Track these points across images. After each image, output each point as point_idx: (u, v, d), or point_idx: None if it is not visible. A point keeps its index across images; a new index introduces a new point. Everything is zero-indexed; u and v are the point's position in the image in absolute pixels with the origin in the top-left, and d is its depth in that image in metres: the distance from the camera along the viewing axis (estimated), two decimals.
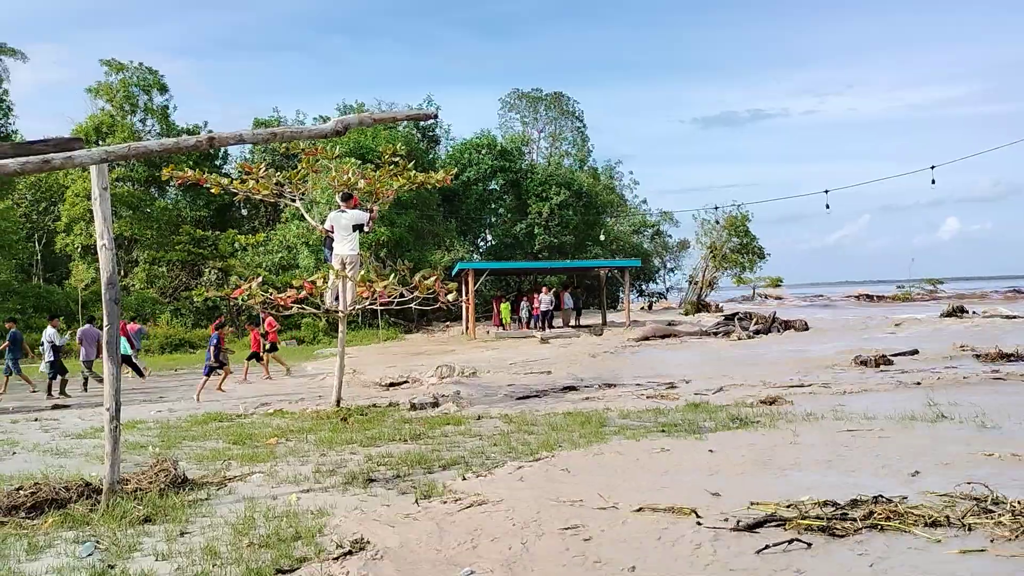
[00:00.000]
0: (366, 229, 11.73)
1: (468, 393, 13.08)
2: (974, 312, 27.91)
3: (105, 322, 6.56)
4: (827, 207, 32.59)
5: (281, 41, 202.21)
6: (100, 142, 35.87)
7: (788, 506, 5.23)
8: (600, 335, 27.18)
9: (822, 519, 4.86)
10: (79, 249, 36.26)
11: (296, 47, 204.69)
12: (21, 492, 6.15)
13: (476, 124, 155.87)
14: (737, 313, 29.61)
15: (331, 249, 11.69)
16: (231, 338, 26.90)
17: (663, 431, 8.54)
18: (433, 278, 11.86)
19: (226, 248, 37.96)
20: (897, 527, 4.72)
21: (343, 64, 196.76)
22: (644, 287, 55.26)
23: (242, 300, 11.90)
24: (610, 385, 13.47)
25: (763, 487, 5.92)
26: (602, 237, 42.46)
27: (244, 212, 44.48)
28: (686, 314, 37.91)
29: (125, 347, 16.17)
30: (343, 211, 11.48)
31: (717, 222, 42.09)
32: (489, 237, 46.34)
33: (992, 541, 4.44)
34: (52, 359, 15.88)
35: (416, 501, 6.00)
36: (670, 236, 57.70)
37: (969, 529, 4.64)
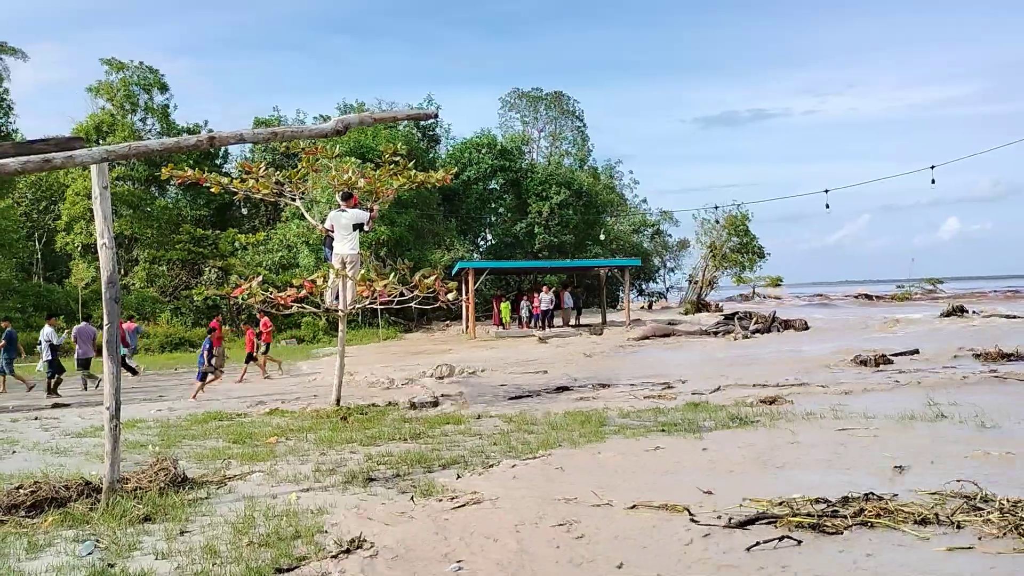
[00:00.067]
0: (366, 228, 11.74)
1: (461, 393, 13.08)
2: (974, 312, 27.88)
3: (105, 321, 6.56)
4: (827, 207, 32.56)
5: (281, 40, 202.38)
6: (100, 141, 35.88)
7: (780, 503, 5.26)
8: (600, 334, 27.18)
9: (813, 516, 4.90)
10: (79, 248, 36.26)
11: (296, 46, 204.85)
12: (21, 491, 6.15)
13: (476, 123, 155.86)
14: (737, 313, 29.61)
15: (331, 248, 11.70)
16: (230, 337, 26.93)
17: (663, 430, 8.55)
18: (433, 277, 11.86)
19: (226, 247, 37.96)
20: (886, 525, 4.76)
21: (343, 63, 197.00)
22: (644, 287, 55.29)
23: (242, 299, 11.90)
24: (604, 385, 13.42)
25: (759, 485, 5.93)
26: (602, 236, 42.46)
27: (244, 211, 44.48)
28: (686, 313, 37.89)
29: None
30: (343, 210, 11.49)
31: (717, 221, 42.07)
32: (489, 236, 46.32)
33: (980, 539, 4.47)
34: (50, 358, 15.88)
35: (413, 499, 6.03)
36: (670, 236, 57.83)
37: (958, 527, 4.67)
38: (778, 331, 25.41)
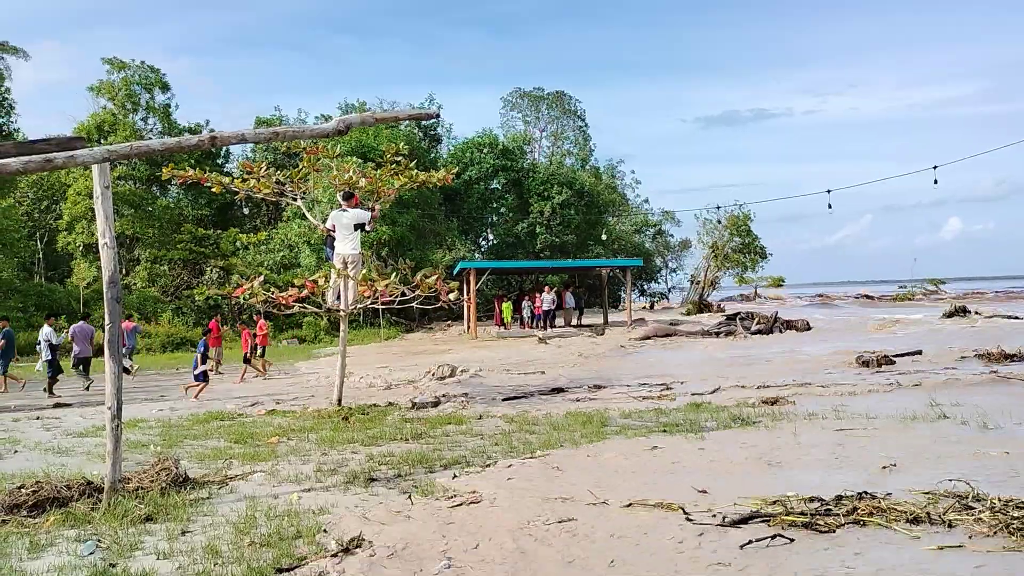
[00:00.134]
0: (368, 228, 11.73)
1: (466, 394, 13.07)
2: (976, 312, 27.86)
3: (107, 320, 6.56)
4: (829, 207, 32.60)
5: (282, 40, 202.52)
6: (102, 140, 35.90)
7: (774, 502, 5.29)
8: (602, 335, 27.16)
9: (806, 515, 4.94)
10: (81, 247, 36.28)
11: (297, 46, 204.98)
12: (23, 490, 6.15)
13: (478, 123, 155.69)
14: (739, 313, 29.59)
15: (333, 248, 11.70)
16: (231, 338, 26.95)
17: (664, 431, 8.54)
18: (434, 277, 11.86)
19: (228, 247, 37.97)
20: (878, 523, 4.78)
21: (344, 63, 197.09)
22: (646, 287, 55.25)
23: (244, 299, 11.90)
24: (600, 387, 13.35)
25: (758, 485, 5.94)
26: (604, 236, 42.45)
27: (246, 211, 44.50)
28: (688, 314, 37.89)
29: None
30: (344, 210, 11.48)
31: (719, 222, 42.09)
32: (491, 236, 46.31)
33: (970, 537, 4.49)
34: (50, 358, 15.89)
35: (410, 497, 6.05)
36: (672, 236, 57.78)
37: (950, 526, 4.69)
38: (780, 331, 25.38)
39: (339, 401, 11.78)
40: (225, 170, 38.97)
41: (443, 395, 12.64)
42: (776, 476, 6.29)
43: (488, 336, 28.82)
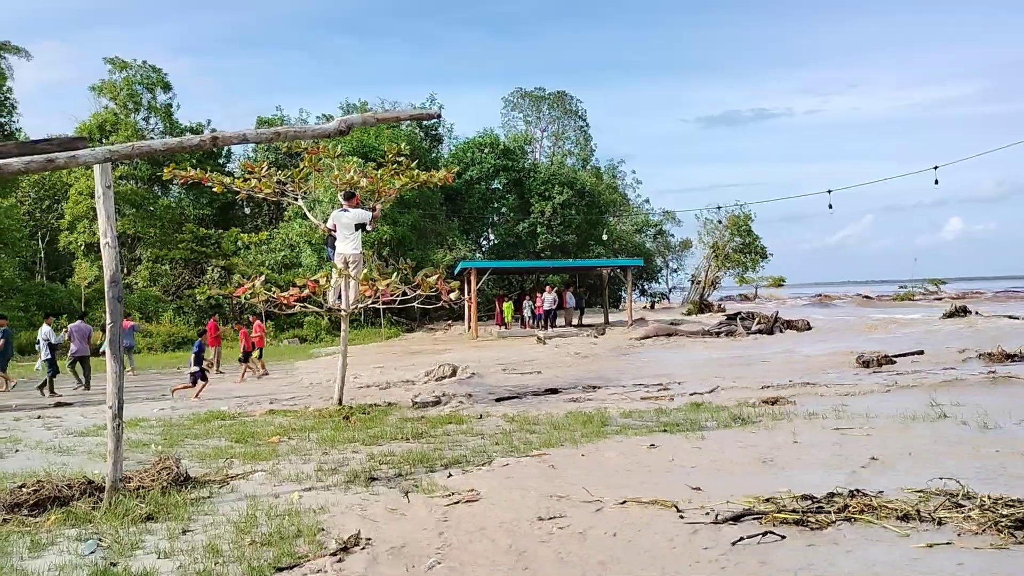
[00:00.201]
0: (369, 228, 11.74)
1: (469, 395, 13.06)
2: (977, 313, 27.85)
3: (108, 320, 6.57)
4: (830, 207, 32.53)
5: (282, 40, 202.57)
6: (104, 140, 35.93)
7: (766, 500, 5.32)
8: (602, 334, 27.17)
9: (797, 512, 4.97)
10: (82, 247, 36.31)
11: (297, 46, 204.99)
12: (24, 490, 6.16)
13: (479, 123, 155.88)
14: (740, 313, 29.59)
15: (334, 248, 11.71)
16: (232, 337, 26.96)
17: (664, 430, 8.55)
18: (435, 277, 11.85)
19: (229, 246, 38.00)
20: (868, 521, 4.81)
21: (345, 63, 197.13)
22: (647, 287, 55.25)
23: (245, 298, 11.91)
24: (595, 387, 13.26)
25: (755, 483, 5.96)
26: (605, 236, 42.45)
27: (247, 210, 44.54)
28: (688, 314, 37.89)
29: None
30: (345, 210, 11.49)
31: (720, 222, 42.11)
32: (492, 236, 46.33)
33: (959, 535, 4.51)
34: (49, 357, 15.91)
35: (406, 495, 6.08)
36: (672, 236, 57.77)
37: (939, 523, 4.72)
38: (780, 331, 25.38)
39: (340, 400, 11.80)
40: (226, 170, 39.01)
41: (443, 394, 12.64)
42: (774, 475, 6.30)
43: (489, 336, 28.82)
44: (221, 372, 19.48)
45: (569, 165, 51.61)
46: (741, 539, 4.59)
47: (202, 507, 6.05)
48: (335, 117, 36.79)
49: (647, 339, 24.33)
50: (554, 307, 30.16)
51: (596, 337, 26.27)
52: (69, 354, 16.76)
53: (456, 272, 30.63)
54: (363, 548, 4.81)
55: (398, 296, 12.05)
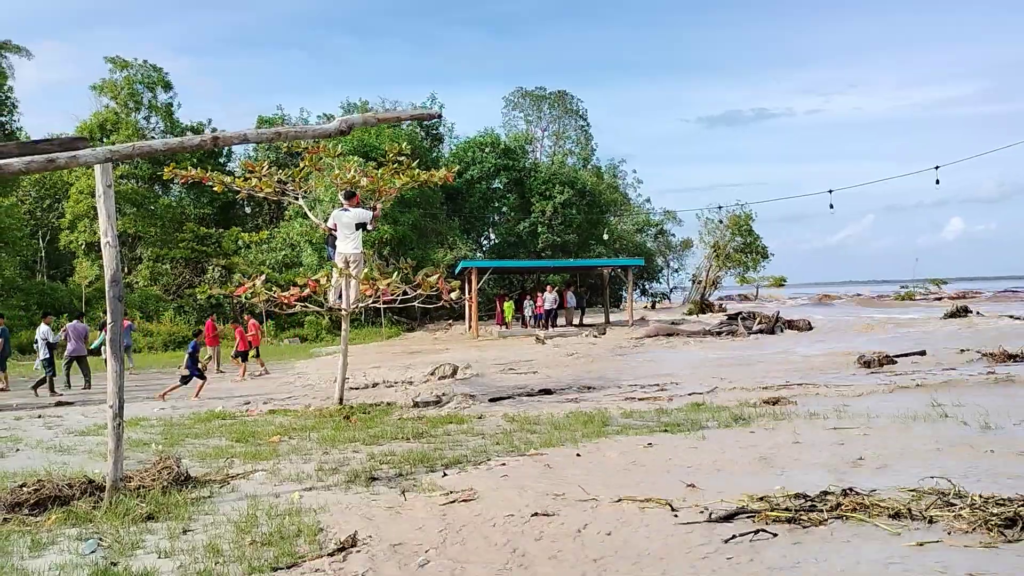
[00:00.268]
0: (369, 227, 11.74)
1: (473, 395, 13.06)
2: (977, 313, 27.84)
3: (109, 319, 6.57)
4: (831, 207, 32.57)
5: (282, 40, 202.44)
6: (104, 139, 35.94)
7: (760, 498, 5.34)
8: (603, 334, 27.16)
9: (790, 511, 4.99)
10: (83, 246, 36.32)
11: (298, 46, 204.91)
12: (25, 489, 6.16)
13: (480, 122, 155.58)
14: (740, 313, 29.59)
15: (334, 247, 11.71)
16: (232, 337, 26.94)
17: (665, 430, 8.54)
18: (436, 276, 11.85)
19: (230, 246, 38.01)
20: (860, 519, 4.83)
21: (345, 63, 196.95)
22: (647, 287, 55.22)
23: (245, 298, 11.91)
24: (590, 388, 13.20)
25: (752, 482, 5.97)
26: (605, 236, 42.43)
27: (248, 210, 44.53)
28: (689, 314, 37.87)
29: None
30: (346, 209, 11.49)
31: (721, 221, 42.10)
32: (492, 236, 46.29)
33: (949, 533, 4.53)
34: (47, 356, 15.92)
35: (403, 494, 6.09)
36: (673, 235, 57.73)
37: (931, 521, 4.74)
38: (781, 331, 25.37)
39: (341, 400, 11.80)
40: (227, 169, 39.03)
41: (444, 394, 12.64)
42: (773, 474, 6.31)
43: (490, 336, 28.82)
44: (221, 371, 19.48)
45: (570, 165, 51.57)
46: (734, 537, 4.63)
47: (203, 507, 6.05)
48: (336, 117, 36.84)
49: (648, 339, 24.32)
50: (555, 307, 30.15)
51: (596, 337, 26.26)
52: (65, 353, 16.77)
53: (457, 271, 30.62)
54: (361, 548, 4.82)
55: (399, 295, 12.05)
